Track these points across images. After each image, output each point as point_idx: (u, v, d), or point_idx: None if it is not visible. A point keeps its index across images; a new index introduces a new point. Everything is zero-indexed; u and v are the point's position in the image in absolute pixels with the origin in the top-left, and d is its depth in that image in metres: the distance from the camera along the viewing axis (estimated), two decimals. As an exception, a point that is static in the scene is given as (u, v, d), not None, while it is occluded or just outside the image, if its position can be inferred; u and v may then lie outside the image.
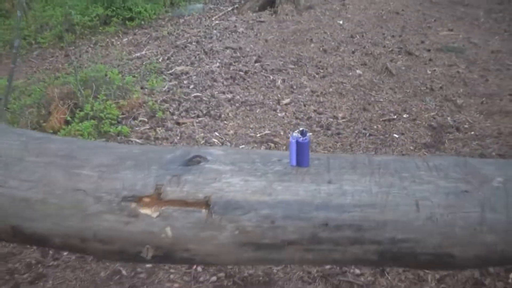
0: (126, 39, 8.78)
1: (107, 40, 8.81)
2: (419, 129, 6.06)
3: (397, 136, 5.94)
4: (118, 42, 8.68)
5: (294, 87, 6.87)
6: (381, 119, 6.26)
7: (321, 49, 7.89)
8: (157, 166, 2.65)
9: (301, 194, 2.58)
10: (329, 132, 6.04)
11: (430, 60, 7.47)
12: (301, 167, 2.87)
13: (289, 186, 2.61)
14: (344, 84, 6.92)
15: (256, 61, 7.49)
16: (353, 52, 7.73)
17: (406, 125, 6.14)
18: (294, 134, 3.14)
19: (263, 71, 7.26)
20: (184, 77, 7.21)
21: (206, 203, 2.55)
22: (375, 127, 6.13)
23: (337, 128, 6.10)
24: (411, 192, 2.43)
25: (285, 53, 7.76)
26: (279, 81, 6.99)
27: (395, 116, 6.29)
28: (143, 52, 8.04)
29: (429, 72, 7.17)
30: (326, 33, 8.47)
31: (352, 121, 6.26)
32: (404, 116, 6.31)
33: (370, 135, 5.97)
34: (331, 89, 6.82)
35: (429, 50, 7.77)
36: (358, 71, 7.21)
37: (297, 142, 2.93)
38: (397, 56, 7.59)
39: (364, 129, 6.09)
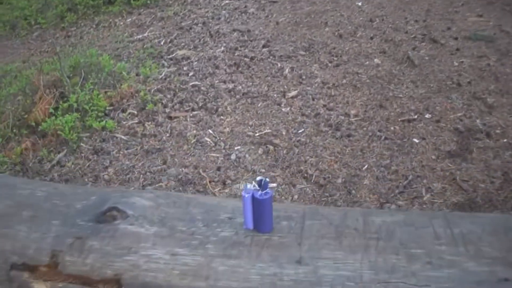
0: (130, 19, 7.54)
1: (110, 20, 7.60)
2: (443, 133, 4.80)
3: (417, 141, 4.72)
4: (121, 23, 7.47)
5: (303, 77, 5.63)
6: (399, 119, 5.01)
7: (336, 33, 6.55)
8: (60, 220, 2.11)
9: (253, 281, 1.93)
10: (339, 133, 4.84)
11: (457, 49, 6.07)
12: (260, 232, 2.22)
13: (236, 267, 2.00)
14: (360, 75, 5.64)
15: (264, 46, 6.23)
16: (371, 38, 6.37)
17: (428, 128, 4.88)
18: (249, 186, 2.27)
19: (271, 57, 6.02)
20: (185, 62, 6.04)
21: (117, 283, 1.96)
22: (392, 128, 4.89)
23: (348, 129, 4.89)
24: (423, 281, 1.76)
25: (296, 37, 6.45)
26: (287, 70, 5.75)
27: (416, 116, 5.02)
28: (145, 34, 6.84)
29: (456, 63, 5.78)
30: (342, 16, 7.09)
31: (366, 120, 5.02)
32: (426, 116, 5.03)
33: (385, 138, 4.77)
34: (344, 81, 5.56)
35: (456, 38, 6.34)
36: (376, 60, 5.88)
37: (254, 198, 2.20)
38: (421, 44, 6.20)
39: (379, 130, 4.87)
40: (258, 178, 2.38)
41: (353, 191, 4.24)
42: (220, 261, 2.03)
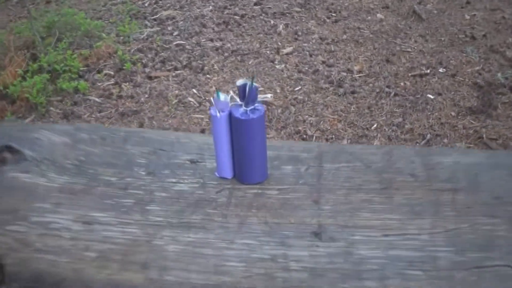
0: (114, -18, 6.48)
1: (93, -17, 6.52)
2: (461, 88, 3.80)
3: (432, 97, 3.72)
4: None
5: (299, 33, 4.56)
6: (409, 74, 3.98)
7: (334, -11, 5.57)
8: None
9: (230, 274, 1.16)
10: (341, 90, 3.82)
11: (468, 3, 4.99)
12: (245, 183, 1.39)
13: (200, 251, 1.21)
14: (362, 30, 4.58)
15: (255, 4, 5.10)
16: (373, -7, 5.44)
17: (444, 83, 3.87)
18: (223, 96, 1.37)
19: (263, 14, 4.91)
20: (169, 22, 4.93)
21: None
22: (402, 84, 3.88)
23: (351, 85, 3.87)
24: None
25: (291, -6, 5.44)
26: (281, 27, 4.65)
27: (428, 71, 4.00)
28: (130, -4, 5.80)
29: (467, 17, 4.72)
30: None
31: (371, 76, 4.00)
32: (440, 70, 4.01)
33: (395, 94, 3.75)
34: (345, 36, 4.49)
35: (466, -9, 5.41)
36: (379, 15, 4.80)
37: (233, 119, 1.34)
38: (427, -2, 5.27)
39: (388, 86, 3.85)
40: (240, 81, 1.39)
41: None
42: (171, 237, 1.25)
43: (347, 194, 1.34)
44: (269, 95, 1.36)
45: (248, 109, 1.31)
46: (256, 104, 1.33)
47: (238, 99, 1.32)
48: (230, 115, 1.32)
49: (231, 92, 1.32)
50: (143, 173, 1.41)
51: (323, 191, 1.34)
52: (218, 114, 1.30)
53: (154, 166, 1.42)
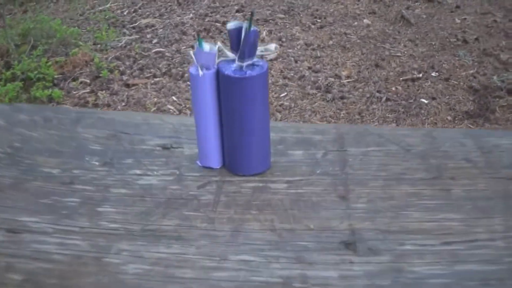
0: (93, -8, 6.07)
1: (72, -6, 6.12)
2: (456, 92, 3.38)
3: (425, 101, 3.28)
4: None
5: (283, 39, 4.09)
6: (401, 79, 3.54)
7: (318, -5, 5.19)
8: None
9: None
10: (330, 95, 3.37)
11: (457, 7, 4.57)
12: (238, 173, 0.97)
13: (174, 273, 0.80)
14: (349, 36, 4.14)
15: (238, 11, 4.65)
16: None
17: (437, 86, 3.45)
18: (208, 46, 0.95)
19: (246, 21, 4.57)
20: (148, 30, 4.48)
21: None
22: (393, 89, 3.45)
23: (340, 91, 3.43)
24: None
25: (274, 1, 4.83)
26: (264, 33, 4.19)
27: (420, 75, 3.57)
28: (108, 5, 5.30)
29: (458, 21, 4.31)
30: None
31: (360, 81, 3.56)
32: (433, 74, 3.59)
33: (387, 99, 3.31)
34: (331, 42, 4.05)
35: (454, -4, 5.06)
36: (365, 21, 4.38)
37: (222, 77, 0.92)
38: (414, 4, 4.67)
39: (379, 91, 3.41)
40: (231, 24, 0.96)
41: None
42: (132, 252, 0.82)
43: (385, 186, 0.90)
44: (273, 46, 0.93)
45: (244, 64, 0.88)
46: (255, 59, 0.90)
47: (228, 52, 0.89)
48: (218, 74, 0.90)
49: (219, 43, 0.89)
50: (97, 163, 0.97)
51: (352, 183, 0.90)
52: (200, 72, 0.87)
53: (112, 154, 0.99)
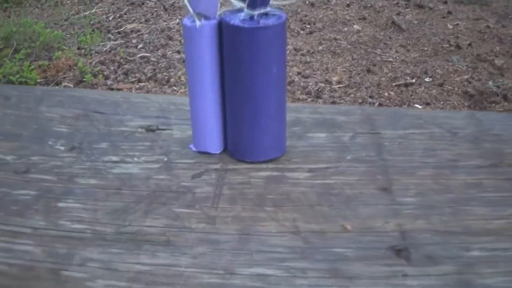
0: (78, -3, 5.85)
1: (57, -1, 5.90)
2: (450, 98, 3.13)
3: (420, 107, 3.00)
4: (69, 1, 5.65)
5: None
6: (393, 84, 3.25)
7: (307, 2, 4.69)
8: None
9: None
10: (320, 101, 3.11)
11: (449, 13, 4.33)
12: (246, 160, 0.73)
13: None
14: (339, 41, 3.89)
15: (225, 16, 4.59)
16: (348, 5, 4.56)
17: (431, 92, 3.18)
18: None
19: None
20: (134, 35, 4.26)
21: None
22: (386, 94, 3.17)
23: (331, 96, 3.15)
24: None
25: (262, 8, 4.78)
26: None
27: (414, 80, 3.28)
28: (93, 11, 5.06)
29: (450, 26, 4.08)
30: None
31: (352, 86, 3.28)
32: (426, 79, 3.31)
33: (380, 105, 3.04)
34: (321, 47, 3.80)
35: (445, 2, 4.55)
36: (355, 26, 4.14)
37: (226, 29, 0.67)
38: (405, 10, 4.45)
39: (371, 97, 3.13)
40: None
41: None
42: (104, 263, 0.57)
43: (436, 175, 0.69)
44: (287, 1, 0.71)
45: (256, 13, 0.66)
46: (268, 8, 0.69)
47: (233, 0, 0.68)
48: (221, 25, 0.68)
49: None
50: (62, 148, 0.75)
51: (394, 172, 0.68)
52: (197, 23, 0.66)
53: (82, 137, 0.76)
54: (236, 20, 0.67)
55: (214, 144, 0.74)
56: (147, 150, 0.74)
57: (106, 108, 0.83)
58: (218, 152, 0.74)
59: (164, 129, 0.77)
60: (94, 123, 0.80)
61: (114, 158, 0.73)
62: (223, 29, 0.69)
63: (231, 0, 0.68)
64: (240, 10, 0.67)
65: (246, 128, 0.72)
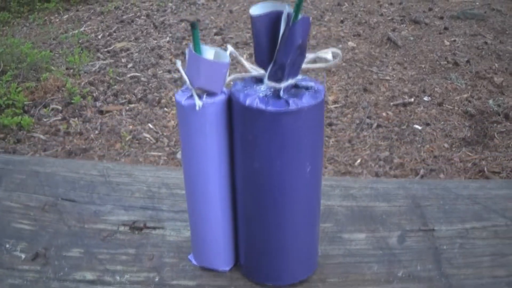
0: (67, 15, 5.34)
1: (46, 18, 5.36)
2: (450, 118, 3.01)
3: (419, 127, 2.88)
4: (57, 20, 5.29)
5: None
6: (391, 104, 3.13)
7: (300, 19, 4.74)
8: None
9: None
10: None
11: (446, 29, 4.17)
12: (261, 284, 0.53)
13: None
14: None
15: (216, 34, 4.23)
16: (342, 22, 4.40)
17: (431, 112, 3.07)
18: (210, 50, 0.52)
19: (224, 44, 4.10)
20: (123, 54, 4.08)
21: None
22: (384, 114, 3.05)
23: (327, 117, 3.02)
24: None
25: (254, 25, 4.62)
26: (244, 56, 3.75)
27: (412, 99, 3.16)
28: (82, 29, 4.86)
29: (447, 43, 3.93)
30: (306, 1, 5.10)
31: (349, 106, 3.15)
32: (425, 99, 3.20)
33: (378, 126, 2.91)
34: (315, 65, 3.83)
35: (441, 18, 4.42)
36: (350, 43, 3.97)
37: (251, 110, 0.47)
38: (401, 26, 4.28)
39: (369, 117, 3.01)
40: (260, 5, 0.53)
41: None
42: None
43: None
44: (330, 53, 0.53)
45: (282, 86, 0.49)
46: (299, 77, 0.51)
47: (248, 64, 0.51)
48: (230, 103, 0.53)
49: (230, 47, 0.50)
50: (22, 255, 0.58)
51: None
52: (198, 103, 0.49)
53: (49, 238, 0.58)
54: (254, 98, 0.50)
55: (221, 258, 0.58)
56: (132, 262, 0.57)
57: (78, 192, 0.66)
58: (227, 269, 0.58)
59: (154, 228, 0.60)
60: (63, 217, 0.63)
61: (89, 276, 0.56)
62: (233, 110, 0.53)
63: (244, 64, 0.50)
64: (257, 80, 0.49)
65: (266, 242, 0.55)
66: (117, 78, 3.79)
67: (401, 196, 0.71)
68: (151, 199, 0.69)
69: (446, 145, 2.87)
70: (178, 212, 0.66)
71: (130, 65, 4.01)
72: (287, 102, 0.50)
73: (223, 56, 0.52)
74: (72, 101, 3.53)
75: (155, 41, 4.38)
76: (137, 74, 3.85)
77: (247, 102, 0.51)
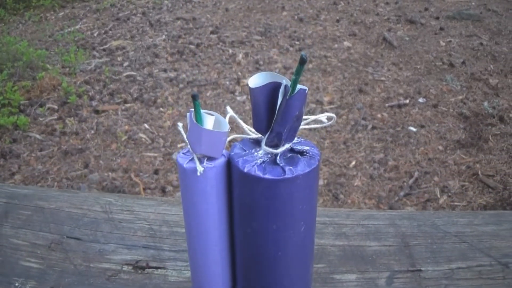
0: (63, 13, 5.37)
1: (41, 15, 5.37)
2: (445, 119, 3.04)
3: (414, 129, 2.93)
4: (53, 17, 5.30)
5: (261, 62, 3.72)
6: (386, 105, 3.18)
7: (296, 17, 4.58)
8: None
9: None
10: (312, 122, 3.12)
11: (441, 29, 4.22)
12: None
13: None
14: (329, 59, 3.77)
15: (212, 32, 4.27)
16: (337, 21, 4.44)
17: (426, 113, 3.10)
18: (209, 118, 0.53)
19: (220, 43, 4.07)
20: (119, 52, 4.10)
21: None
22: (379, 116, 3.09)
23: None
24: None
25: (249, 23, 4.47)
26: (240, 56, 3.83)
27: (407, 101, 3.20)
28: (78, 27, 4.83)
29: (443, 43, 3.96)
30: (301, 0, 5.15)
31: (344, 107, 3.20)
32: (420, 100, 3.23)
33: (373, 127, 2.95)
34: (311, 65, 3.70)
35: (437, 18, 4.47)
36: (346, 43, 4.00)
37: (250, 178, 0.50)
38: (396, 25, 4.33)
39: (364, 119, 3.04)
40: (258, 76, 0.56)
41: (341, 195, 2.48)
42: None
43: None
44: (330, 116, 0.56)
45: (280, 151, 0.52)
46: (297, 139, 0.54)
47: (246, 126, 0.54)
48: (229, 166, 0.55)
49: (229, 109, 0.52)
50: None
51: None
52: (199, 168, 0.52)
53: (57, 277, 0.61)
54: (252, 165, 0.53)
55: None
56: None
57: (83, 230, 0.68)
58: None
59: (156, 268, 0.63)
60: (69, 256, 0.66)
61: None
62: (232, 174, 0.56)
63: (244, 129, 0.53)
64: (255, 142, 0.52)
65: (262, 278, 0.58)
66: (113, 77, 3.81)
67: (391, 235, 0.74)
68: (153, 237, 0.73)
69: (440, 148, 2.89)
70: (179, 251, 0.69)
71: (126, 64, 4.03)
72: (284, 170, 0.53)
73: (222, 123, 0.55)
74: (68, 100, 3.56)
75: (151, 39, 4.39)
76: (133, 73, 3.87)
77: (246, 169, 0.54)
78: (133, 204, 0.76)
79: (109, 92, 3.57)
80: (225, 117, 0.55)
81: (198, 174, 0.53)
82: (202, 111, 0.54)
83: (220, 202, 0.56)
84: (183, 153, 0.55)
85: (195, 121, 0.53)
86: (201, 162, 0.55)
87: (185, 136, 0.53)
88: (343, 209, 1.92)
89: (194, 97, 0.54)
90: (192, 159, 0.55)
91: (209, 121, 0.54)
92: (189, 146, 0.53)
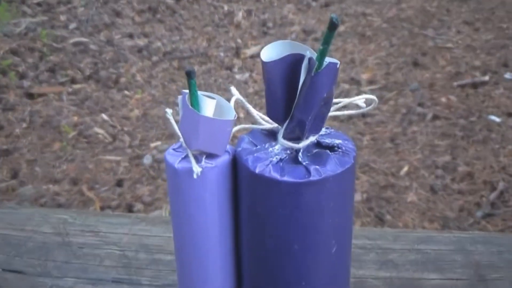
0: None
1: None
2: None
3: (497, 119, 3.10)
4: None
5: (270, 24, 3.99)
6: (455, 84, 3.37)
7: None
8: None
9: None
10: (345, 111, 3.23)
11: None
12: None
13: None
14: (370, 17, 4.05)
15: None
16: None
17: None
18: (210, 101, 0.58)
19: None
20: (63, 8, 4.35)
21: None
22: (443, 100, 3.28)
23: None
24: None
25: (253, -33, 4.82)
26: (240, 14, 4.10)
27: (487, 77, 3.41)
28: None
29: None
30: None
31: (391, 88, 3.41)
32: (507, 76, 3.45)
33: (435, 117, 3.13)
34: (343, 27, 3.94)
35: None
36: (395, -6, 4.33)
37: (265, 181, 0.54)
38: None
39: (421, 105, 3.24)
40: (273, 46, 0.61)
41: (388, 216, 2.58)
42: None
43: None
44: (370, 99, 0.61)
45: (302, 146, 0.55)
46: (325, 130, 0.59)
47: (258, 115, 0.58)
48: (235, 167, 0.61)
49: (234, 91, 0.57)
50: None
51: None
52: (195, 169, 0.56)
53: None
54: (266, 164, 0.58)
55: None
56: None
57: (26, 260, 0.73)
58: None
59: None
60: None
61: None
62: (239, 175, 0.62)
63: (254, 115, 0.57)
64: (269, 134, 0.56)
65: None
66: (54, 44, 3.99)
67: (459, 264, 0.77)
68: (127, 268, 0.75)
69: (536, 147, 3.02)
70: (164, 287, 0.71)
71: (72, 26, 4.20)
72: (308, 170, 0.57)
73: (226, 108, 0.59)
74: (-10, 80, 3.72)
75: (110, -10, 4.55)
76: (83, 39, 4.05)
77: (257, 169, 0.58)
78: (98, 223, 0.80)
79: (48, 67, 3.77)
80: (229, 101, 0.59)
81: (195, 176, 0.58)
82: (200, 92, 0.59)
83: (222, 214, 0.61)
84: (174, 149, 0.59)
85: (190, 107, 0.57)
86: (198, 160, 0.60)
87: (176, 127, 0.57)
88: (390, 229, 1.99)
89: (190, 74, 0.58)
90: (186, 157, 0.60)
91: (209, 106, 0.58)
92: (181, 140, 0.57)
